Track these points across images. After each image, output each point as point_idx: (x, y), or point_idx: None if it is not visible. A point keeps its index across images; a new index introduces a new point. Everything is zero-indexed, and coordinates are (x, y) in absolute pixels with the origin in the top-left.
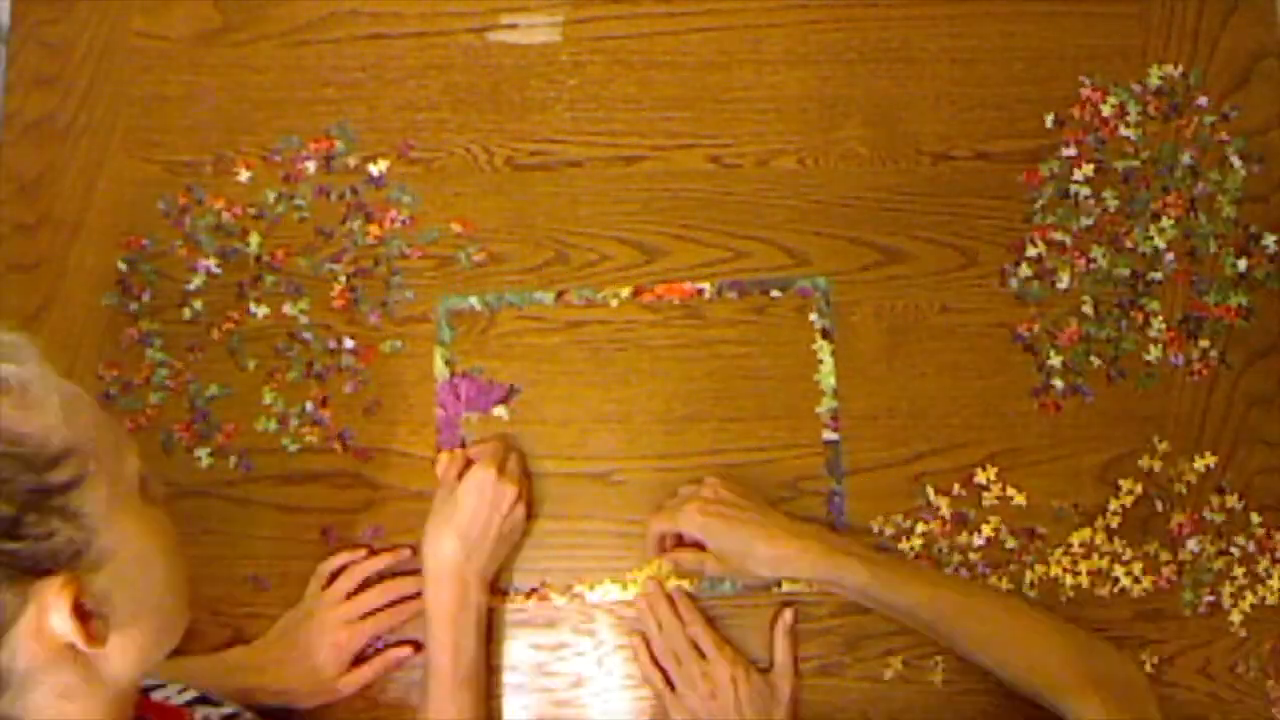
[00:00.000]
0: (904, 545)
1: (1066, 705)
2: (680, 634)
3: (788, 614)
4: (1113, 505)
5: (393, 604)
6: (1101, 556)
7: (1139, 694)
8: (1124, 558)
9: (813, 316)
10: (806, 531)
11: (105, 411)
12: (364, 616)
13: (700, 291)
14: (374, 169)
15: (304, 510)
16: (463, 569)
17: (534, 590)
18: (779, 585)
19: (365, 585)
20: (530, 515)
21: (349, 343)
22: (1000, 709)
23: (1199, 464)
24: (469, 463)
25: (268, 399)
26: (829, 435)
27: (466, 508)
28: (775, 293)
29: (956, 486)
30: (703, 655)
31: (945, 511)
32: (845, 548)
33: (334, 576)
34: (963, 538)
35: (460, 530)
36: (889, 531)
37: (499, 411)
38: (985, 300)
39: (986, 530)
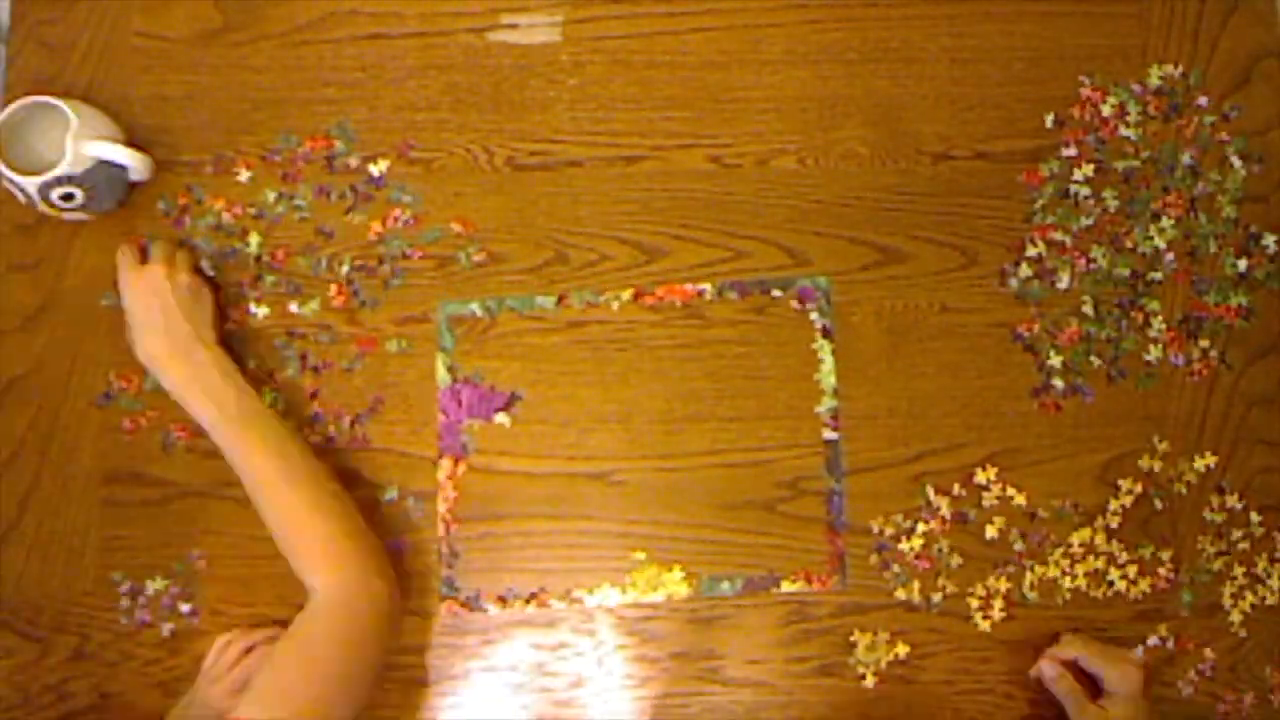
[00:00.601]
0: (904, 545)
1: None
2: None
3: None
4: (1113, 505)
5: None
6: (1101, 557)
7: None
8: (1123, 558)
9: (813, 316)
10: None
11: None
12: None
13: (701, 293)
14: (374, 169)
15: None
16: (172, 348)
17: (533, 595)
18: (778, 585)
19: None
20: (216, 294)
21: (349, 343)
22: (1000, 709)
23: (1199, 464)
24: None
25: (267, 399)
26: (829, 434)
27: (132, 308)
28: (776, 293)
29: (956, 486)
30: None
31: (945, 511)
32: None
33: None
34: (962, 537)
35: (142, 324)
36: (889, 531)
37: (501, 418)
38: (985, 300)
39: (990, 531)
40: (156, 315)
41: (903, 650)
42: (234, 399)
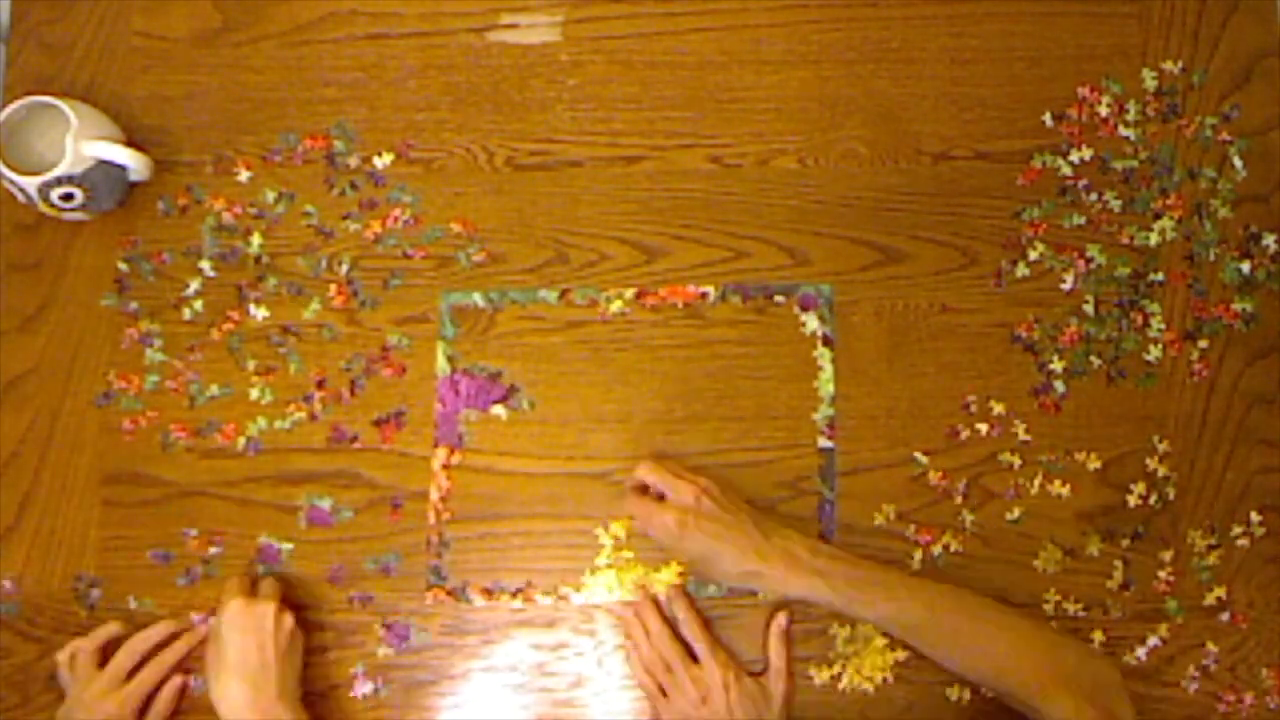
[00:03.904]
0: (902, 545)
1: (1036, 706)
2: (669, 640)
3: (781, 617)
4: (1114, 504)
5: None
6: (1101, 556)
7: (1110, 690)
8: (1123, 558)
9: (814, 323)
10: (775, 551)
11: None
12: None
13: (704, 295)
14: (374, 168)
15: (304, 510)
16: (258, 704)
17: (519, 590)
18: (755, 594)
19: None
20: (301, 626)
21: (349, 343)
22: (1001, 709)
23: (1199, 464)
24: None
25: (267, 399)
26: (824, 443)
27: (232, 645)
28: (779, 298)
29: (955, 486)
30: (694, 659)
31: (944, 510)
32: (811, 564)
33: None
34: (962, 537)
35: (236, 670)
36: (887, 528)
37: (497, 410)
38: (985, 300)
39: (987, 530)
40: (253, 658)
41: (902, 654)
42: None
